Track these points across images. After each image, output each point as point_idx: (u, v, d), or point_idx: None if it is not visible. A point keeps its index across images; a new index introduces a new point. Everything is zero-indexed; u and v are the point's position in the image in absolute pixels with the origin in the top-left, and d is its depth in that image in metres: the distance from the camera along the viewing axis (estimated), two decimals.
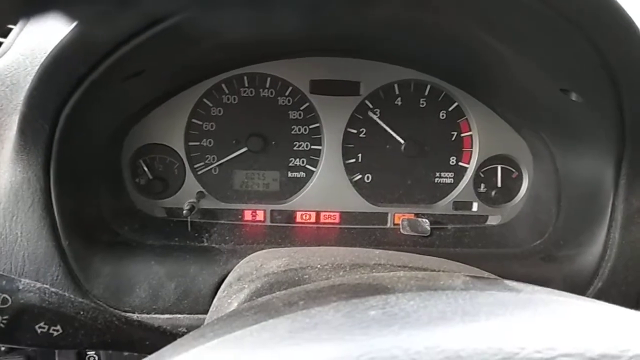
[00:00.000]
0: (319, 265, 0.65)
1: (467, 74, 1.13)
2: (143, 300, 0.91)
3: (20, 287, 0.58)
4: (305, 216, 1.22)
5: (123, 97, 0.97)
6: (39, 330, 0.58)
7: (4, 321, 0.55)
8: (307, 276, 0.62)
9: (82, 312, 0.60)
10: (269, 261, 0.72)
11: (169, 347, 0.46)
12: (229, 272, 0.92)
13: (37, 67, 0.91)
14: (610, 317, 0.41)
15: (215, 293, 0.91)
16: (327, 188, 1.21)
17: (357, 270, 0.63)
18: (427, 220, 1.16)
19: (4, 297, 0.56)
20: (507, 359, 0.33)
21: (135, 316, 0.85)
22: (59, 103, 0.82)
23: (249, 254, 0.94)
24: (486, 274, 0.69)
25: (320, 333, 0.37)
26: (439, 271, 0.67)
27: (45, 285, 0.59)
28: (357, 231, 1.19)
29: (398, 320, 0.38)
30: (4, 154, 0.88)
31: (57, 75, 0.79)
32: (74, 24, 0.71)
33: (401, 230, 1.15)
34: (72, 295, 0.61)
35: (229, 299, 0.63)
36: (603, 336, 0.36)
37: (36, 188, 0.87)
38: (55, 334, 0.58)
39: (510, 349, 0.34)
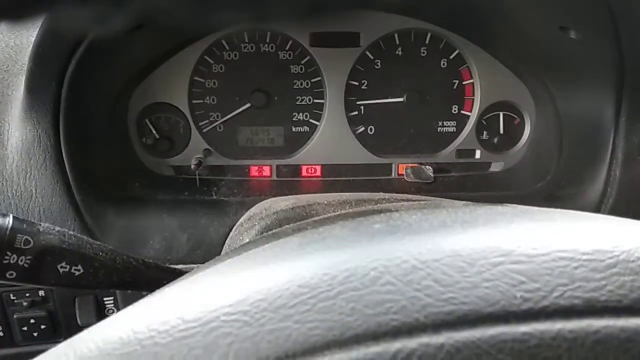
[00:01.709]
0: (325, 202, 0.67)
1: (466, 19, 1.13)
2: (157, 252, 0.94)
3: (41, 229, 0.60)
4: (311, 170, 1.24)
5: (126, 53, 0.98)
6: (61, 270, 0.61)
7: (27, 261, 0.58)
8: (314, 212, 0.64)
9: (101, 253, 0.63)
10: (277, 202, 0.74)
11: (187, 274, 0.49)
12: (235, 221, 0.95)
13: (39, 27, 0.92)
14: (603, 222, 0.43)
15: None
16: (331, 141, 1.23)
17: (362, 205, 0.66)
18: (430, 167, 1.18)
19: (25, 239, 0.59)
20: (504, 255, 0.36)
21: None
22: (64, 59, 0.83)
23: (242, 204, 0.97)
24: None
25: (329, 243, 0.40)
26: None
27: (64, 229, 0.62)
28: (362, 182, 1.21)
29: (401, 230, 0.40)
30: (13, 113, 0.90)
31: (58, 31, 0.80)
32: None
33: (405, 178, 1.17)
34: (90, 239, 0.63)
35: (240, 237, 0.66)
36: (596, 235, 0.39)
37: (47, 145, 0.89)
38: (77, 273, 0.61)
39: (507, 247, 0.36)
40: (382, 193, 0.80)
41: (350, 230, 0.42)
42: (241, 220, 0.79)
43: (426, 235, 0.39)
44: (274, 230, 0.56)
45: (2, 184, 0.88)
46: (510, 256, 0.36)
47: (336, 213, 0.55)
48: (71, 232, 0.62)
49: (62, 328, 1.01)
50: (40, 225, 0.61)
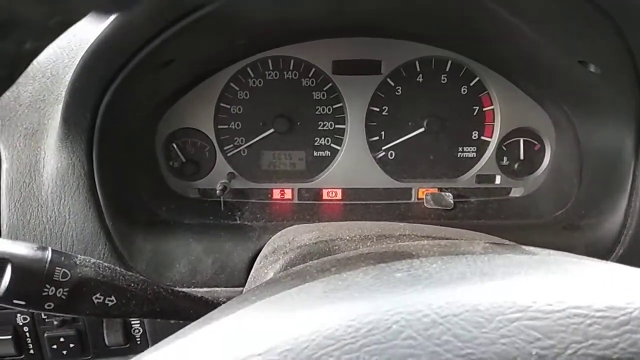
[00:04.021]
0: (347, 237, 0.70)
1: (487, 49, 1.15)
2: (183, 275, 0.97)
3: (78, 262, 0.64)
4: (332, 193, 1.26)
5: (156, 85, 1.02)
6: (95, 301, 0.64)
7: (65, 293, 0.62)
8: (336, 247, 0.66)
9: (133, 284, 0.66)
10: (300, 235, 0.76)
11: (215, 311, 0.51)
12: (261, 247, 0.98)
13: (75, 60, 0.97)
14: (618, 274, 0.44)
15: (250, 267, 0.97)
16: (351, 166, 1.25)
17: (383, 241, 0.67)
18: (450, 194, 1.19)
19: (63, 272, 0.62)
20: (521, 311, 0.37)
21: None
22: (99, 93, 0.87)
23: (280, 230, 1.00)
24: (506, 242, 0.72)
25: (352, 292, 0.42)
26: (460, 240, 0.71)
27: (99, 261, 0.65)
28: (382, 206, 1.23)
29: (422, 281, 0.42)
30: (49, 142, 0.95)
31: (97, 68, 0.84)
32: (113, 17, 0.75)
33: (425, 204, 1.18)
34: (123, 269, 0.67)
35: (265, 270, 0.68)
36: (610, 290, 0.40)
37: (81, 173, 0.93)
38: (110, 304, 0.64)
39: (524, 302, 0.38)
40: (402, 224, 0.81)
41: (372, 279, 0.44)
42: (265, 252, 0.81)
43: (446, 288, 0.40)
44: (298, 268, 0.58)
45: (38, 209, 0.92)
46: (526, 312, 0.37)
47: (358, 252, 0.57)
48: (105, 264, 0.66)
49: (90, 347, 1.05)
50: (77, 257, 0.64)
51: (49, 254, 0.62)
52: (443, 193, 1.20)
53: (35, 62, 0.99)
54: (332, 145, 1.25)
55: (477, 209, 1.19)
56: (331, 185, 1.26)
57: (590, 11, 0.76)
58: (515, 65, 1.14)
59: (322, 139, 1.25)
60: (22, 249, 0.61)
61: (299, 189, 1.26)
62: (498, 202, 1.23)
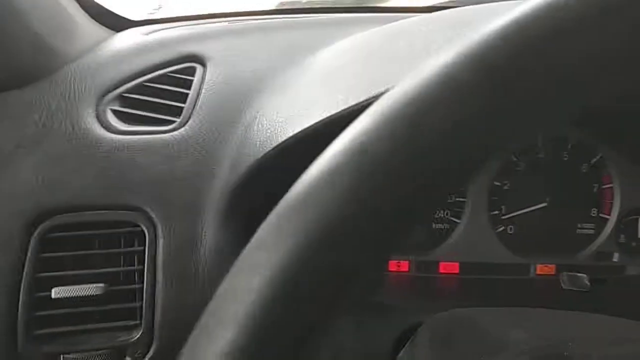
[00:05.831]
0: (577, 339, 0.68)
1: (612, 132, 1.16)
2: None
3: None
4: (449, 267, 1.25)
5: None
6: None
7: None
8: (569, 349, 0.64)
9: None
10: (504, 329, 0.75)
11: None
12: (401, 328, 0.95)
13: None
14: None
15: (396, 349, 0.95)
16: (470, 239, 1.24)
17: (618, 345, 0.66)
18: (585, 275, 1.18)
19: None
20: None
21: None
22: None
23: (409, 309, 0.97)
24: None
25: None
26: None
27: None
28: (503, 282, 1.22)
29: None
30: (207, 217, 0.94)
31: None
32: None
33: (562, 285, 1.17)
34: None
35: None
36: None
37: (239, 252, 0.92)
38: None
39: None
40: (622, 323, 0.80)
41: None
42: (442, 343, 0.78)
43: None
44: None
45: (194, 288, 0.91)
46: None
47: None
48: None
49: None
50: None
51: None
52: (578, 274, 1.18)
53: (187, 135, 0.99)
54: (451, 218, 1.25)
55: (610, 291, 1.17)
56: (449, 259, 1.25)
57: None
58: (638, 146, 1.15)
59: (442, 211, 1.24)
60: None
61: (416, 262, 1.25)
62: (627, 283, 1.22)
